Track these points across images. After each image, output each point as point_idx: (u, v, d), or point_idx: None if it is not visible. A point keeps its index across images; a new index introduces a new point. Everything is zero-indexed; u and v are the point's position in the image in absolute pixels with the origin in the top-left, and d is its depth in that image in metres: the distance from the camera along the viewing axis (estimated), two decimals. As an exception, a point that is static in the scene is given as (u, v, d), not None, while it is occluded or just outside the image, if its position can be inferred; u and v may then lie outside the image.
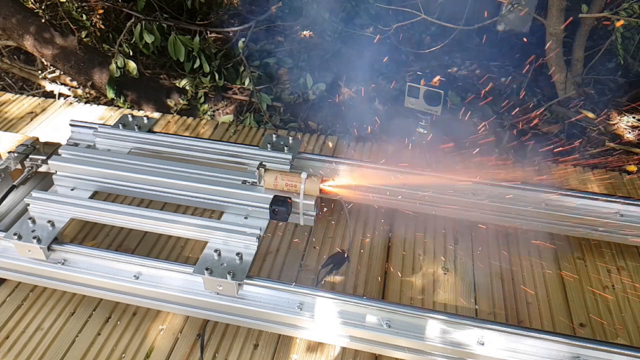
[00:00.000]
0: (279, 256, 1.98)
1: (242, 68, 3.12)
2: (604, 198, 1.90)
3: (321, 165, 2.06)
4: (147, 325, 1.73)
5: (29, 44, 3.01)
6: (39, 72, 3.34)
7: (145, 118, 2.16)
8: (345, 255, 1.93)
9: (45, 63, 3.31)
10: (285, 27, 3.62)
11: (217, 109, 3.04)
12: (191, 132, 2.75)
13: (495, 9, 3.20)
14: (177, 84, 3.13)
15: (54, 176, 1.89)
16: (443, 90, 2.02)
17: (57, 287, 1.73)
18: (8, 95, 3.00)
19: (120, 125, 2.12)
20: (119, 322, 1.73)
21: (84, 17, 3.28)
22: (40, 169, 1.98)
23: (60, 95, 3.25)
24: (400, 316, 1.52)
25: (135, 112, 2.91)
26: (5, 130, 2.65)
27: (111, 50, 3.21)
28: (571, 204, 1.91)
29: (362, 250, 2.02)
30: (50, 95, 3.26)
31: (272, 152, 1.96)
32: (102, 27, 3.33)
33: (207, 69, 3.08)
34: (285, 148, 1.98)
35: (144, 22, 2.96)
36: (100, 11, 3.26)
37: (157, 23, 3.02)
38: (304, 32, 3.66)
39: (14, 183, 1.92)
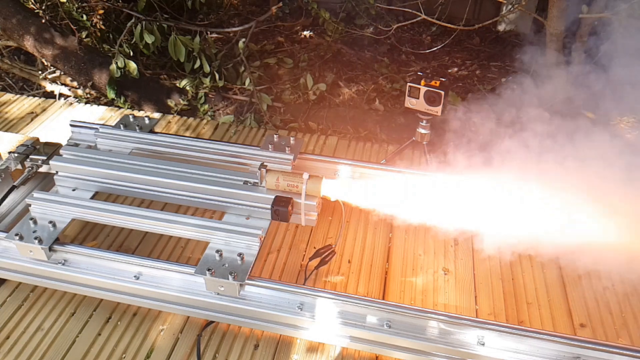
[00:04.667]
0: (280, 256, 1.98)
1: (242, 68, 3.13)
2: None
3: (322, 165, 2.06)
4: (148, 325, 1.73)
5: (29, 44, 3.01)
6: (40, 72, 3.34)
7: (146, 118, 2.16)
8: (332, 250, 1.92)
9: (46, 63, 3.31)
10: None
11: (218, 110, 3.04)
12: (192, 132, 2.76)
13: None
14: (178, 85, 3.13)
15: (55, 177, 1.89)
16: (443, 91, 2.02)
17: (58, 288, 1.73)
18: (8, 96, 3.00)
19: (121, 125, 2.12)
20: (119, 323, 1.73)
21: (84, 17, 3.28)
22: (40, 169, 1.98)
23: (61, 95, 3.26)
24: (401, 316, 1.52)
25: (136, 113, 2.91)
26: (6, 131, 2.65)
27: (111, 50, 3.21)
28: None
29: (362, 250, 2.02)
30: (50, 95, 3.26)
31: (273, 152, 1.97)
32: (103, 27, 3.33)
33: (207, 69, 3.08)
34: (287, 148, 1.98)
35: (144, 22, 2.97)
36: (101, 11, 3.27)
37: (158, 23, 3.02)
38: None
39: (15, 183, 1.92)
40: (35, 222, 1.67)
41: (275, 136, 2.04)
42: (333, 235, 2.09)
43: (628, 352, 1.43)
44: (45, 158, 1.96)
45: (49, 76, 3.30)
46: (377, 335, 1.53)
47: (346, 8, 3.66)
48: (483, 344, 1.48)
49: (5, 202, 1.89)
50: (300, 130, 2.85)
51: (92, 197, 1.86)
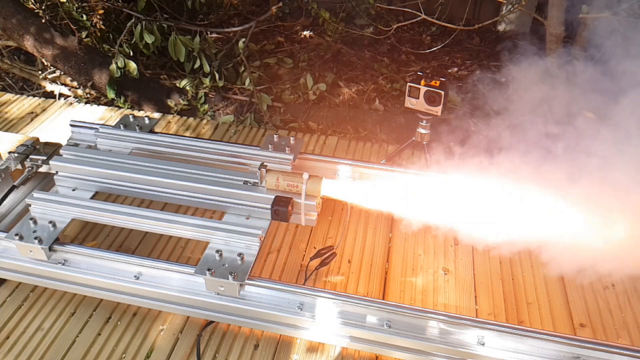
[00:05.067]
0: (280, 256, 1.99)
1: (242, 68, 3.13)
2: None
3: (322, 165, 2.06)
4: (148, 325, 1.73)
5: (29, 44, 3.01)
6: (39, 72, 3.34)
7: (146, 118, 2.16)
8: (333, 251, 1.93)
9: (46, 63, 3.31)
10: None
11: (218, 109, 3.04)
12: (192, 132, 2.76)
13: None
14: (178, 84, 3.13)
15: (55, 176, 1.89)
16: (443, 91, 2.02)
17: (58, 288, 1.73)
18: (8, 96, 3.00)
19: (121, 125, 2.12)
20: (119, 323, 1.74)
21: (84, 17, 3.28)
22: (40, 169, 1.98)
23: (61, 95, 3.26)
24: (401, 316, 1.52)
25: (136, 113, 2.91)
26: (6, 131, 2.65)
27: (111, 50, 3.21)
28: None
29: (362, 250, 2.02)
30: (50, 95, 3.26)
31: (273, 152, 1.97)
32: (103, 27, 3.33)
33: (207, 69, 3.08)
34: (287, 148, 1.98)
35: (144, 22, 2.97)
36: (101, 11, 3.27)
37: (158, 23, 3.02)
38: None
39: (15, 183, 1.92)
40: (35, 222, 1.67)
41: (275, 136, 2.04)
42: (333, 235, 2.09)
43: (628, 352, 1.43)
44: (45, 158, 1.96)
45: (49, 76, 3.30)
46: (377, 335, 1.53)
47: (346, 8, 3.66)
48: (483, 344, 1.48)
49: (5, 202, 1.89)
50: (300, 130, 2.85)
51: (92, 197, 1.86)
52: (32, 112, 2.85)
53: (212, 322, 1.72)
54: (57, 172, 1.89)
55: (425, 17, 2.67)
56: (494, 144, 1.86)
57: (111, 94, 2.99)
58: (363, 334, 1.54)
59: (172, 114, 2.96)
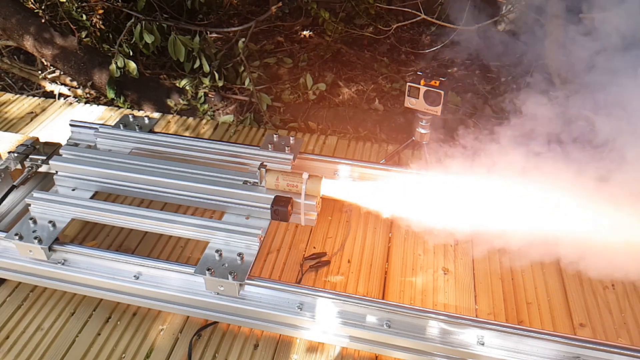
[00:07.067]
0: (279, 256, 1.98)
1: (242, 68, 3.12)
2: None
3: (322, 165, 2.07)
4: (147, 325, 1.73)
5: (29, 44, 3.01)
6: (39, 72, 3.34)
7: (146, 118, 2.16)
8: (327, 259, 1.95)
9: (45, 63, 3.31)
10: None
11: (217, 109, 3.04)
12: (191, 132, 2.76)
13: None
14: (177, 84, 3.13)
15: (55, 176, 1.89)
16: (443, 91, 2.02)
17: (58, 287, 1.73)
18: (8, 96, 3.00)
19: (121, 125, 2.12)
20: (119, 322, 1.73)
21: (84, 17, 3.28)
22: (40, 169, 1.98)
23: (60, 95, 3.26)
24: (401, 316, 1.52)
25: (136, 113, 2.91)
26: (5, 131, 2.65)
27: (111, 50, 3.21)
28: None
29: (362, 250, 2.02)
30: (50, 95, 3.26)
31: (273, 152, 1.97)
32: (102, 27, 3.33)
33: (207, 69, 3.08)
34: (287, 148, 1.98)
35: (144, 22, 2.96)
36: (100, 11, 3.26)
37: (157, 23, 3.02)
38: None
39: (14, 183, 1.92)
40: (34, 222, 1.67)
41: (275, 136, 2.04)
42: (333, 235, 2.09)
43: (628, 352, 1.43)
44: (45, 158, 1.96)
45: (49, 76, 3.30)
46: (376, 335, 1.53)
47: (346, 8, 3.66)
48: (483, 344, 1.48)
49: (5, 202, 1.89)
50: (300, 130, 2.85)
51: (92, 197, 1.86)
52: (32, 112, 2.85)
53: (209, 325, 1.72)
54: (56, 172, 1.89)
55: (425, 17, 2.67)
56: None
57: (111, 94, 2.99)
58: (363, 333, 1.54)
59: (172, 113, 2.96)
